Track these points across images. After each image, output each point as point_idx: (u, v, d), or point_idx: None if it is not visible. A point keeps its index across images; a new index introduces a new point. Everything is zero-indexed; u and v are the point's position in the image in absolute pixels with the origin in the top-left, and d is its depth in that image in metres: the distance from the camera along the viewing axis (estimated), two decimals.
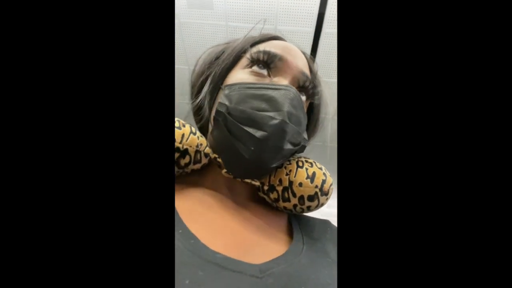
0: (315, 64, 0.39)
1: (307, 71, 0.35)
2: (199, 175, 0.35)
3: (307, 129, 0.38)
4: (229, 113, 0.30)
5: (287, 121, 0.29)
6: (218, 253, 0.25)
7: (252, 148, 0.29)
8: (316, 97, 0.37)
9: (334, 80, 1.83)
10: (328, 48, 1.66)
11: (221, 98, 0.32)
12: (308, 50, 1.70)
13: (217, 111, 0.31)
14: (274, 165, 0.31)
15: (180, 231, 0.26)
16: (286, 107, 0.29)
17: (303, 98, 0.35)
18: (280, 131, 0.29)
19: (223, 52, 0.37)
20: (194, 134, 0.31)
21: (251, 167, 0.31)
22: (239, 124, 0.29)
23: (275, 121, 0.28)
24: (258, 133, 0.28)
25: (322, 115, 0.40)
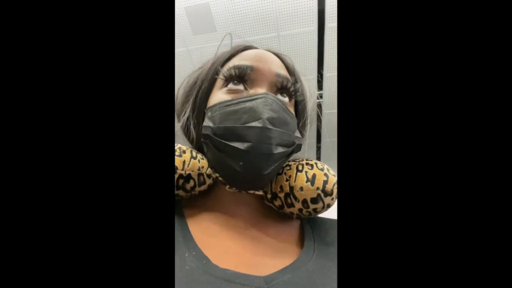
0: (289, 61, 0.40)
1: (283, 71, 0.36)
2: (208, 196, 0.37)
3: (298, 126, 0.39)
4: (214, 134, 0.32)
5: (269, 127, 0.30)
6: (227, 269, 0.27)
7: (241, 162, 0.30)
8: (298, 93, 0.38)
9: None
10: (334, 42, 1.66)
11: (206, 121, 0.34)
12: (314, 48, 1.70)
13: (203, 135, 0.33)
14: (269, 171, 0.32)
15: (194, 252, 0.28)
16: (266, 114, 0.31)
17: (286, 99, 0.36)
18: (264, 137, 0.30)
19: (198, 77, 0.39)
20: (195, 158, 0.34)
21: (247, 178, 0.32)
22: (225, 142, 0.31)
23: (257, 130, 0.30)
24: (244, 145, 0.30)
25: (308, 110, 0.40)
